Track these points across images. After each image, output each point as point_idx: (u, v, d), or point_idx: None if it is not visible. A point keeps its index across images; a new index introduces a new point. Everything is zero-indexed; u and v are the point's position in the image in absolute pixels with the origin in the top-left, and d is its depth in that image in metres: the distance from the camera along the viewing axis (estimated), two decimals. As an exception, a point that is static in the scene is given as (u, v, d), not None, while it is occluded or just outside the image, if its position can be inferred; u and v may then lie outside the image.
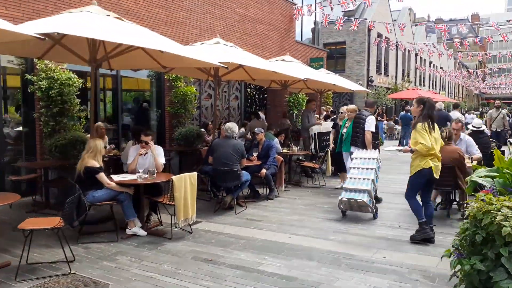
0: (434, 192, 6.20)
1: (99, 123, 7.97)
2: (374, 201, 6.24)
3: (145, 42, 5.11)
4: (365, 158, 6.48)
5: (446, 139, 5.87)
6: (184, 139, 9.43)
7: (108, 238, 5.08)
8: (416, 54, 35.20)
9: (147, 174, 5.27)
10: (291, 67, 9.60)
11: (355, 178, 6.21)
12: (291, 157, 9.15)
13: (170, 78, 9.88)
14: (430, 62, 40.47)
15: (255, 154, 7.35)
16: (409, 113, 18.39)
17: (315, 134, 10.11)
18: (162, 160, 5.75)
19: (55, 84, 7.03)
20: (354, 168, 6.45)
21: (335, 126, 9.03)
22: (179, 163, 9.40)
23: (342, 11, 25.12)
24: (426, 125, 4.79)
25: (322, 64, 16.35)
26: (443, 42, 31.51)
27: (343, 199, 5.97)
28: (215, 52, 7.13)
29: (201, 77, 9.21)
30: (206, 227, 5.66)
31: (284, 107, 13.63)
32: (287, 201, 7.25)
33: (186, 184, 5.05)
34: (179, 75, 9.83)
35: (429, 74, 40.68)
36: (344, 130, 7.67)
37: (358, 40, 24.14)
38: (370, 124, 6.95)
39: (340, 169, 8.40)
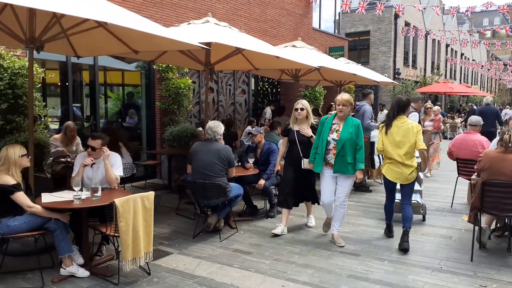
0: (490, 217, 4.54)
1: (69, 122, 6.66)
2: (424, 202, 5.80)
3: (85, 12, 3.65)
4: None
5: (510, 145, 4.17)
6: (176, 139, 8.02)
7: (32, 283, 3.69)
8: (447, 45, 32.76)
9: (88, 193, 3.84)
10: (303, 54, 8.01)
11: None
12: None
13: (160, 68, 8.46)
14: (462, 54, 37.80)
15: (251, 161, 5.82)
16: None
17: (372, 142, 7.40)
18: (118, 172, 4.31)
19: (5, 74, 5.70)
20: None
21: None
22: (168, 170, 7.98)
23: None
24: (383, 125, 4.73)
25: (343, 54, 14.64)
26: (477, 30, 29.01)
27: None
28: (203, 32, 5.65)
29: (193, 67, 7.74)
30: (175, 264, 4.19)
31: (295, 102, 12.00)
32: (291, 220, 5.70)
33: (136, 209, 3.59)
34: (170, 65, 8.40)
35: (461, 67, 38.02)
36: None
37: (384, 29, 22.16)
38: (413, 120, 5.96)
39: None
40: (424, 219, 5.71)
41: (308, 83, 12.98)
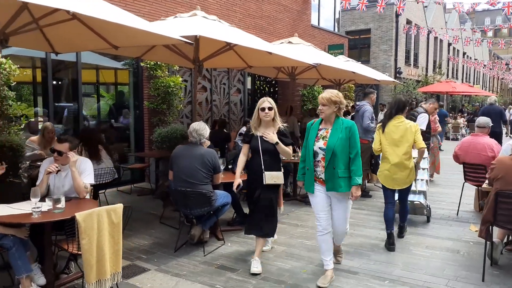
0: (503, 230, 4.08)
1: (47, 123, 6.21)
2: (428, 203, 5.73)
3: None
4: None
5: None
6: (165, 141, 7.57)
7: (-17, 307, 3.25)
8: (450, 44, 32.28)
9: (51, 204, 3.39)
10: (299, 51, 7.56)
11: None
12: (296, 167, 7.14)
13: (149, 66, 8.01)
14: (464, 53, 37.32)
15: (241, 166, 5.35)
16: (442, 109, 16.20)
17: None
18: (88, 180, 3.86)
19: (-27, 72, 5.27)
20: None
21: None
22: (155, 175, 7.53)
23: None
24: (380, 124, 4.74)
25: (342, 52, 14.15)
26: (480, 29, 28.54)
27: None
28: (188, 26, 5.21)
29: (182, 64, 7.29)
30: (150, 283, 3.74)
31: (292, 102, 11.55)
32: (284, 230, 5.25)
33: (101, 224, 3.14)
34: (159, 63, 7.95)
35: (463, 66, 37.53)
36: None
37: (385, 27, 21.68)
38: (422, 122, 6.26)
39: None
40: (428, 220, 5.63)
41: (306, 82, 12.53)
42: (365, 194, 7.15)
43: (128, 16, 4.09)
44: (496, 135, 8.50)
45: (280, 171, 4.08)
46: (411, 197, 5.32)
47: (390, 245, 4.56)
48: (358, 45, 22.55)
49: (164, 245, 4.76)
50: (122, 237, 3.29)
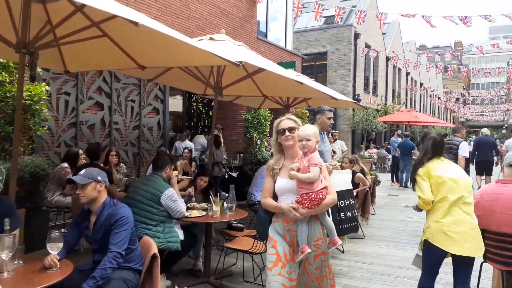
0: None
1: None
2: None
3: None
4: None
5: None
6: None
7: None
8: (408, 74, 31.51)
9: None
10: (221, 48, 5.00)
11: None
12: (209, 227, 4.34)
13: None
14: (421, 84, 36.89)
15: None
16: (408, 139, 14.27)
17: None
18: None
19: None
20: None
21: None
22: None
23: (323, 16, 21.16)
24: (428, 165, 3.14)
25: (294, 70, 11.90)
26: (435, 65, 27.90)
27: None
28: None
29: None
30: None
31: (234, 128, 9.04)
32: None
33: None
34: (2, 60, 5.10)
35: (420, 95, 37.06)
36: None
37: (343, 50, 19.93)
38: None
39: None
40: None
41: (249, 104, 10.06)
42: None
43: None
44: (490, 164, 9.29)
45: None
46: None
47: None
48: (314, 68, 20.68)
49: None
50: None
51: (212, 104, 11.52)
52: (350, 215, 4.90)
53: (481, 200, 3.28)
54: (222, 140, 8.85)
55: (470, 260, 2.99)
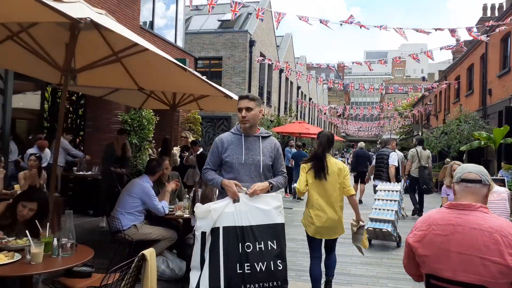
0: None
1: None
2: (398, 232, 6.29)
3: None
4: (389, 191, 6.96)
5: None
6: None
7: None
8: (299, 87, 32.46)
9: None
10: (65, 7, 3.46)
11: (380, 209, 6.60)
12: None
13: None
14: (310, 98, 38.48)
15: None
16: (301, 150, 13.96)
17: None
18: None
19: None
20: (378, 199, 6.87)
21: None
22: None
23: (219, 20, 20.27)
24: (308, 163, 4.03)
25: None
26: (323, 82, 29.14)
27: (369, 228, 6.10)
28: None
29: None
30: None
31: (108, 131, 7.36)
32: None
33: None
34: None
35: (309, 109, 38.62)
36: None
37: (238, 56, 19.20)
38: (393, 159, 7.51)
39: None
40: (398, 246, 6.33)
41: (128, 103, 8.43)
42: None
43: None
44: (365, 174, 10.96)
45: None
46: (381, 225, 6.22)
47: None
48: (208, 74, 19.56)
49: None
50: None
51: (82, 101, 9.57)
52: (265, 267, 2.81)
53: (429, 232, 2.34)
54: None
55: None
